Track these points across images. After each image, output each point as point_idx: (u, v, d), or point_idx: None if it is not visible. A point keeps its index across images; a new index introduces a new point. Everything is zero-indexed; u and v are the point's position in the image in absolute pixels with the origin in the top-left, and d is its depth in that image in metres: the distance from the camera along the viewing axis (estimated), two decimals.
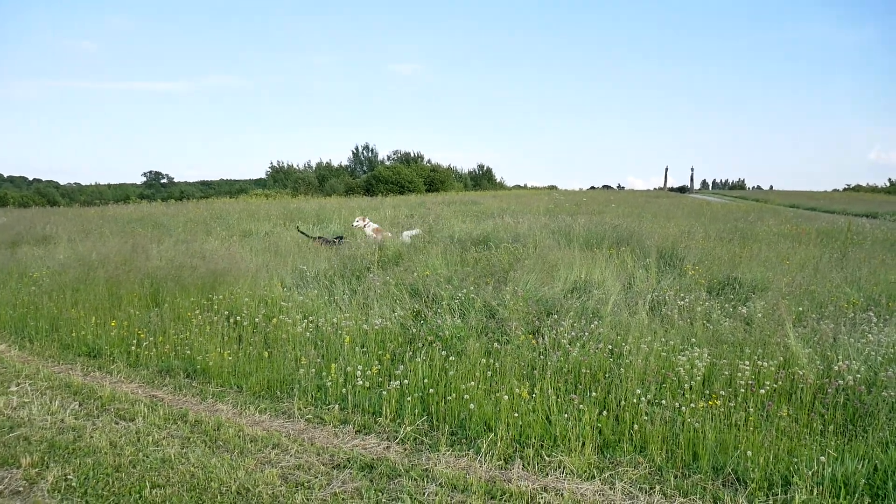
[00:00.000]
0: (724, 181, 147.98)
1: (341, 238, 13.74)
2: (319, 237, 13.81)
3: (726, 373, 4.95)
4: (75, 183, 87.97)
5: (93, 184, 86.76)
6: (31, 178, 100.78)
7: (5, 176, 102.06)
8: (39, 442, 4.43)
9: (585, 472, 3.96)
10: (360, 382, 5.18)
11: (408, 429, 4.56)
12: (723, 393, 4.63)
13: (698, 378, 4.81)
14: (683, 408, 4.42)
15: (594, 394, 4.73)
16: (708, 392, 4.75)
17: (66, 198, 62.13)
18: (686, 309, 6.73)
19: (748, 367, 4.88)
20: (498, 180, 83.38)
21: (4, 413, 4.98)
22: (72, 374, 6.07)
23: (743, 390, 4.66)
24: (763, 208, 29.10)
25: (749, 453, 3.93)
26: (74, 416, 4.95)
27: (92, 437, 4.52)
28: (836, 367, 4.86)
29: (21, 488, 3.83)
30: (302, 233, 14.53)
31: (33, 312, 7.94)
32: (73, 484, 3.85)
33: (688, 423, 4.24)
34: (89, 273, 9.16)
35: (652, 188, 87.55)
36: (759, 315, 6.38)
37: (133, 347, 6.50)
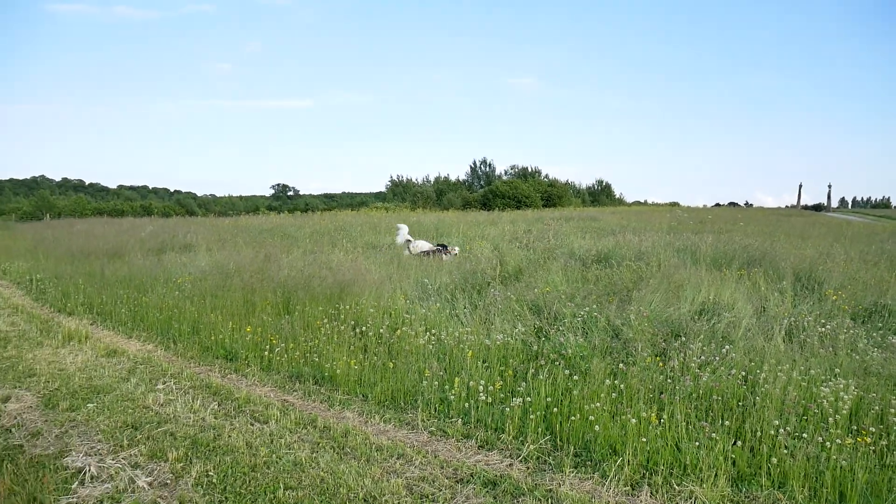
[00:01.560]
0: (865, 199, 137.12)
1: (444, 247, 14.04)
2: (423, 252, 14.07)
3: (877, 408, 4.58)
4: (210, 194, 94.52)
5: (226, 195, 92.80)
6: (172, 190, 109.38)
7: (150, 188, 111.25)
8: (184, 438, 4.75)
9: None
10: (483, 397, 5.21)
11: (531, 447, 4.53)
12: (873, 429, 4.28)
13: (844, 412, 4.48)
14: (828, 443, 4.13)
15: (727, 422, 4.51)
16: (856, 428, 4.41)
17: (203, 208, 66.78)
18: (828, 336, 6.31)
19: None
20: (617, 196, 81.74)
21: (153, 409, 5.39)
22: (211, 375, 6.48)
23: None
24: None
25: None
26: (214, 415, 5.27)
27: (230, 436, 4.79)
28: None
29: (168, 481, 4.11)
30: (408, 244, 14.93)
31: (177, 316, 8.56)
32: (214, 480, 4.09)
33: (833, 461, 3.94)
34: (227, 280, 9.79)
35: (783, 206, 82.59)
36: None
37: (266, 353, 6.86)
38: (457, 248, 14.25)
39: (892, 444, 4.15)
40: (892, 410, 4.44)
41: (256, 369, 6.62)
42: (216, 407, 5.46)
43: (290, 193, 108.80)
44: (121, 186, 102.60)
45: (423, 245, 14.58)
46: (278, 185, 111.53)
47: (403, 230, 15.82)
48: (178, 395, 5.75)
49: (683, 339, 6.24)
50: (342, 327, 7.09)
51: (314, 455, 4.48)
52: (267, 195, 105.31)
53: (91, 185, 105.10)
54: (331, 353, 6.54)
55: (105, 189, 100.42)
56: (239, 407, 5.47)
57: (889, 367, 5.41)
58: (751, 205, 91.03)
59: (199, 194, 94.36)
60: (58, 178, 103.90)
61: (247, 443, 4.67)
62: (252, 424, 5.08)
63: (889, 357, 5.73)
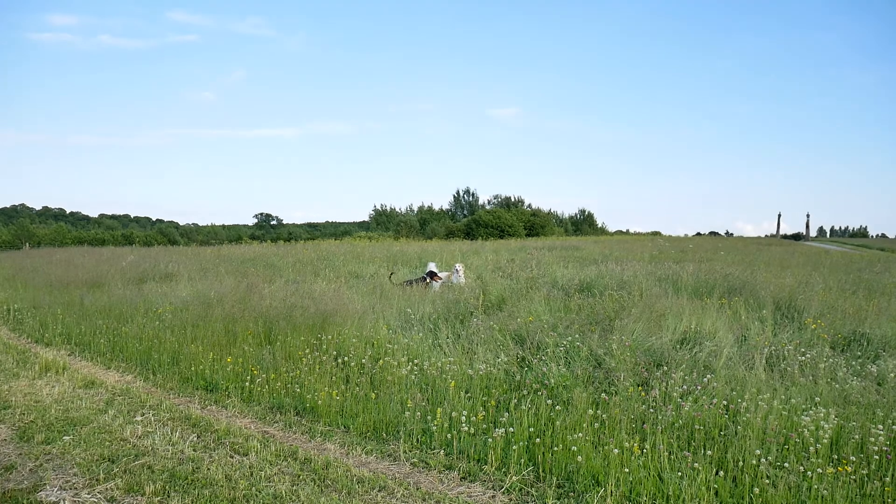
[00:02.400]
0: (843, 228, 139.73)
1: (432, 274, 13.98)
2: (406, 281, 14.05)
3: (857, 437, 4.61)
4: (193, 223, 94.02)
5: (209, 224, 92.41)
6: (154, 219, 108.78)
7: (132, 216, 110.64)
8: (161, 471, 4.67)
9: None
10: (466, 428, 5.18)
11: (514, 478, 4.50)
12: (853, 459, 4.31)
13: (825, 441, 4.50)
14: (809, 472, 4.14)
15: (709, 452, 4.51)
16: (836, 457, 4.43)
17: (185, 237, 66.45)
18: (808, 365, 6.36)
19: (882, 432, 4.53)
20: (599, 225, 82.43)
21: (130, 441, 5.30)
22: (191, 406, 6.40)
23: (877, 457, 4.32)
24: (889, 258, 27.10)
25: None
26: (193, 447, 5.19)
27: (209, 469, 4.72)
28: None
29: None
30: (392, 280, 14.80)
31: (157, 346, 8.47)
32: None
33: (815, 490, 3.96)
34: (208, 310, 9.70)
35: (763, 235, 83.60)
36: (892, 375, 5.94)
37: (247, 383, 6.78)
38: (459, 267, 14.33)
39: (873, 473, 4.17)
40: (872, 439, 4.47)
41: (237, 400, 6.54)
42: (195, 439, 5.39)
43: (274, 222, 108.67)
44: (102, 215, 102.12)
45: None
46: (261, 214, 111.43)
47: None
48: (157, 426, 5.67)
49: (665, 368, 6.26)
50: (324, 357, 7.05)
51: (294, 488, 4.42)
52: (250, 224, 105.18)
53: (72, 213, 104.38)
54: (312, 384, 6.49)
55: (86, 218, 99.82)
56: (219, 439, 5.39)
57: (868, 395, 5.46)
58: (731, 234, 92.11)
59: (181, 223, 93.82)
60: (38, 207, 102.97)
61: (226, 476, 4.61)
62: (232, 457, 5.01)
63: (868, 386, 5.78)
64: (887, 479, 4.11)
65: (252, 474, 4.65)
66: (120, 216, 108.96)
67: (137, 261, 20.61)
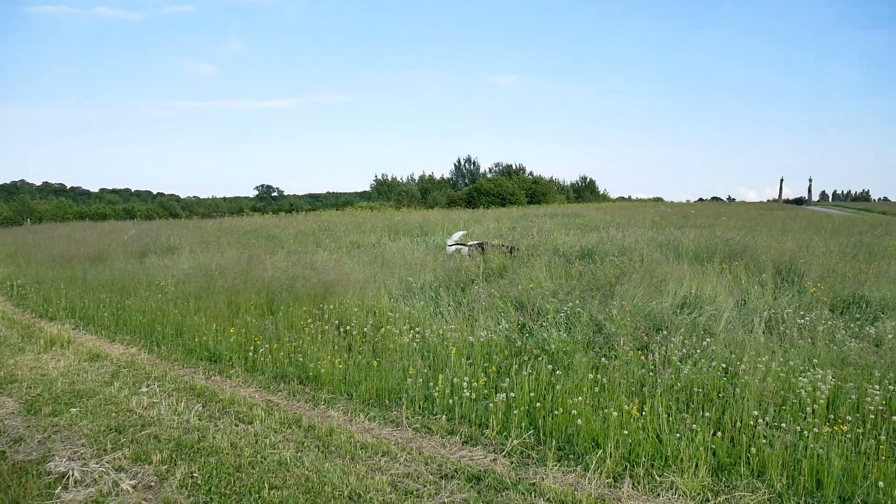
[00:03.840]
0: (845, 193, 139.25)
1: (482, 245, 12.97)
2: (467, 245, 13.11)
3: (853, 397, 4.66)
4: (194, 196, 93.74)
5: (210, 197, 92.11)
6: (155, 193, 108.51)
7: (133, 191, 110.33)
8: (168, 440, 4.74)
9: (699, 494, 3.83)
10: (467, 394, 5.24)
11: (514, 442, 4.57)
12: (849, 418, 4.36)
13: (822, 401, 4.56)
14: (806, 432, 4.20)
15: (707, 414, 4.57)
16: (833, 417, 4.49)
17: (186, 210, 66.30)
18: (807, 328, 6.40)
19: (878, 392, 4.58)
20: (601, 192, 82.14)
21: (137, 412, 5.37)
22: (195, 377, 6.46)
23: (873, 416, 4.38)
24: (891, 221, 27.01)
25: (881, 484, 3.68)
26: (198, 417, 5.26)
27: (214, 437, 4.79)
28: None
29: (153, 483, 4.10)
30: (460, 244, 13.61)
31: (161, 319, 8.52)
32: (199, 482, 4.10)
33: (811, 449, 4.01)
34: (210, 282, 9.75)
35: (765, 200, 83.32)
36: (890, 336, 5.98)
37: (250, 353, 6.85)
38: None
39: (868, 432, 4.23)
40: (868, 399, 4.52)
41: (241, 370, 6.61)
42: (200, 409, 5.45)
43: (275, 194, 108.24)
44: (103, 190, 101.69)
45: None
46: (262, 185, 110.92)
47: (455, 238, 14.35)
48: (162, 397, 5.74)
49: (665, 332, 6.30)
50: (326, 327, 7.10)
51: (299, 454, 4.49)
52: (251, 196, 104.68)
53: (72, 188, 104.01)
54: (315, 353, 6.54)
55: (87, 193, 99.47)
56: (223, 408, 5.46)
57: (866, 356, 5.50)
58: (733, 199, 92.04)
59: (182, 196, 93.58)
60: (38, 183, 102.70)
61: (231, 443, 4.67)
62: (236, 425, 5.08)
63: (866, 347, 5.82)
64: (882, 437, 4.16)
65: (257, 442, 4.72)
66: (121, 190, 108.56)
67: (139, 234, 20.65)
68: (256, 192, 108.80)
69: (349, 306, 7.75)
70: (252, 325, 7.65)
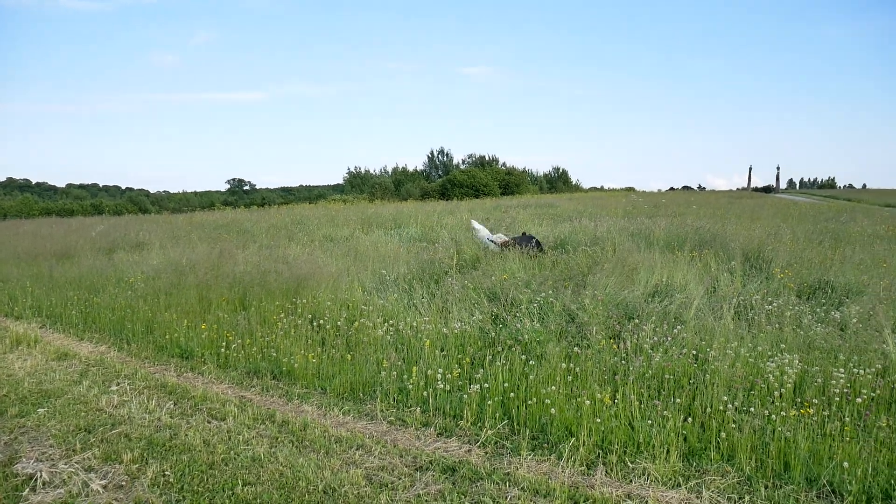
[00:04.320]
0: (812, 180, 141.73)
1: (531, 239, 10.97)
2: (503, 241, 11.01)
3: (819, 380, 4.76)
4: (164, 191, 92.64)
5: (180, 191, 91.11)
6: (123, 188, 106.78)
7: (101, 185, 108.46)
8: (139, 439, 4.68)
9: (671, 479, 3.89)
10: (441, 386, 5.25)
11: (489, 432, 4.59)
12: (815, 401, 4.46)
13: (789, 385, 4.65)
14: (773, 416, 4.28)
15: (678, 400, 4.64)
16: (799, 400, 4.58)
17: (156, 205, 65.37)
18: (774, 314, 6.51)
19: (843, 375, 4.68)
20: (574, 182, 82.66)
21: (107, 411, 5.28)
22: (166, 374, 6.38)
23: (837, 399, 4.48)
24: (856, 208, 27.63)
25: (846, 465, 3.77)
26: (170, 414, 5.20)
27: (187, 435, 4.74)
28: None
29: (123, 483, 4.04)
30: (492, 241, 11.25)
31: (130, 316, 8.39)
32: (171, 480, 4.05)
33: (778, 432, 4.09)
34: (181, 278, 9.61)
35: (735, 188, 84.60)
36: (854, 321, 6.10)
37: (223, 349, 6.78)
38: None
39: (833, 415, 4.32)
40: (833, 382, 4.62)
41: (213, 366, 6.54)
42: (172, 406, 5.39)
43: (247, 188, 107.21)
44: (70, 185, 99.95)
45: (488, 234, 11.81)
46: (234, 179, 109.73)
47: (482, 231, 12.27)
48: (133, 395, 5.66)
49: (637, 320, 6.37)
50: (299, 321, 7.05)
51: (273, 450, 4.46)
52: (222, 190, 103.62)
53: (38, 184, 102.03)
54: (288, 348, 6.51)
55: (53, 188, 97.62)
56: (195, 405, 5.40)
57: (831, 340, 5.61)
58: (704, 188, 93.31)
59: (152, 191, 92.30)
60: (2, 179, 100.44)
61: (204, 441, 4.63)
62: (209, 422, 5.03)
63: (831, 331, 5.94)
64: (846, 419, 4.26)
65: (230, 438, 4.68)
66: (88, 185, 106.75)
67: (107, 230, 20.29)
68: (228, 186, 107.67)
69: (322, 300, 7.71)
70: (224, 320, 7.57)
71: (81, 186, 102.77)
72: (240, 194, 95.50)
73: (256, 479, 4.04)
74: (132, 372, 6.39)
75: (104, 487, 3.99)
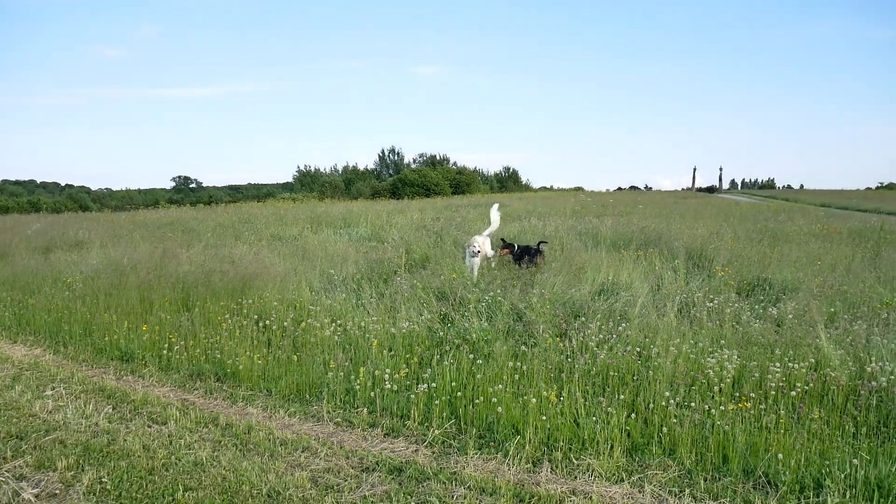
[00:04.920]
0: (753, 181, 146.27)
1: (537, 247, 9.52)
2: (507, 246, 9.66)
3: (756, 375, 4.91)
4: (106, 188, 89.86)
5: (123, 189, 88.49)
6: (63, 184, 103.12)
7: (38, 182, 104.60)
8: (74, 445, 4.52)
9: (614, 475, 3.95)
10: (389, 386, 5.23)
11: (436, 432, 4.58)
12: (753, 395, 4.59)
13: (728, 380, 4.78)
14: (713, 410, 4.39)
15: (622, 396, 4.71)
16: (738, 394, 4.71)
17: (98, 203, 63.39)
18: (715, 311, 6.68)
19: (779, 370, 4.84)
20: (524, 182, 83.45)
21: (40, 417, 5.09)
22: (105, 378, 6.19)
23: (774, 392, 4.61)
24: (793, 208, 28.64)
25: (780, 456, 3.89)
26: (108, 419, 5.04)
27: (125, 440, 4.60)
28: (869, 369, 4.80)
29: (57, 491, 3.90)
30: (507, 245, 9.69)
31: (67, 317, 8.11)
32: (108, 487, 3.92)
33: (717, 426, 4.20)
34: (121, 278, 9.33)
35: (680, 188, 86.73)
36: (790, 316, 6.32)
37: (165, 351, 6.61)
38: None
39: (769, 408, 4.46)
40: (770, 376, 4.77)
41: (154, 369, 6.38)
42: (110, 410, 5.23)
43: (193, 186, 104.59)
44: (5, 181, 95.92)
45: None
46: (180, 177, 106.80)
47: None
48: (69, 400, 5.46)
49: (583, 318, 6.46)
50: (245, 322, 6.92)
51: (216, 454, 4.37)
52: (168, 188, 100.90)
53: None
54: (233, 349, 6.38)
55: None
56: (135, 409, 5.25)
57: (768, 336, 5.79)
58: (650, 188, 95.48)
59: (93, 188, 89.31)
60: None
61: (143, 446, 4.50)
62: (149, 426, 4.89)
63: (768, 327, 6.13)
64: (781, 411, 4.40)
65: (171, 443, 4.56)
66: (25, 182, 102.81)
67: (44, 228, 19.53)
68: (173, 184, 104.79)
69: (269, 300, 7.59)
70: (166, 321, 7.38)
71: (18, 183, 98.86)
72: (186, 192, 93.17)
73: (198, 484, 3.94)
74: (68, 375, 6.17)
75: (36, 496, 3.84)
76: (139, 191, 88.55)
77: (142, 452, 4.39)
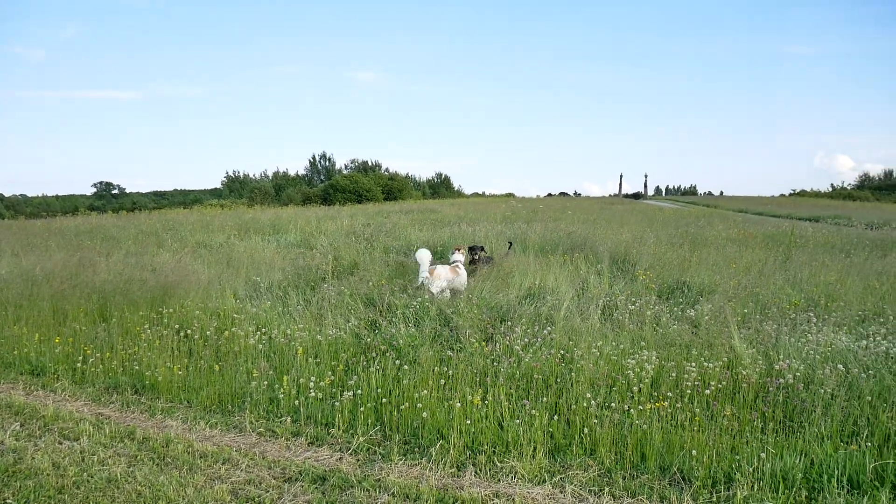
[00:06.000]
0: (676, 187, 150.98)
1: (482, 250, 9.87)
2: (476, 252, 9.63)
3: (674, 375, 5.07)
4: (21, 194, 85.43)
5: (40, 195, 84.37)
6: None
7: None
8: None
9: (537, 476, 4.00)
10: (313, 394, 5.15)
11: (361, 439, 4.54)
12: (670, 394, 4.74)
13: (647, 380, 4.92)
14: (632, 410, 4.51)
15: (546, 399, 4.79)
16: (656, 394, 4.86)
17: (11, 210, 60.27)
18: (636, 313, 6.87)
19: (694, 369, 5.01)
20: (456, 188, 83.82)
21: None
22: (13, 393, 5.87)
23: (689, 391, 4.78)
24: (713, 213, 29.80)
25: (694, 452, 4.03)
26: (15, 437, 4.78)
27: (34, 458, 4.38)
28: (777, 367, 5.03)
29: None
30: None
31: None
32: None
33: (636, 425, 4.32)
34: (33, 288, 8.88)
35: (608, 194, 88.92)
36: (706, 318, 6.55)
37: (79, 364, 6.32)
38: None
39: (685, 406, 4.61)
40: (686, 376, 4.94)
41: (67, 383, 6.08)
42: (18, 428, 4.96)
43: (116, 192, 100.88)
44: None
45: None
46: (101, 182, 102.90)
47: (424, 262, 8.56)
48: None
49: (509, 322, 6.54)
50: (165, 332, 6.69)
51: (131, 469, 4.20)
52: (88, 194, 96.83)
53: None
54: (152, 360, 6.16)
55: None
56: (45, 425, 5.00)
57: (685, 337, 6.00)
58: (579, 194, 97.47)
59: (6, 195, 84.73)
60: None
61: (53, 463, 4.29)
62: (60, 443, 4.67)
63: (686, 328, 6.35)
64: (696, 409, 4.56)
65: (83, 459, 4.36)
66: None
67: None
68: (95, 190, 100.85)
69: (191, 309, 7.36)
70: (81, 333, 7.06)
71: None
72: (108, 199, 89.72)
73: (111, 502, 3.79)
74: None
75: None
76: (57, 197, 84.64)
77: (51, 470, 4.18)
